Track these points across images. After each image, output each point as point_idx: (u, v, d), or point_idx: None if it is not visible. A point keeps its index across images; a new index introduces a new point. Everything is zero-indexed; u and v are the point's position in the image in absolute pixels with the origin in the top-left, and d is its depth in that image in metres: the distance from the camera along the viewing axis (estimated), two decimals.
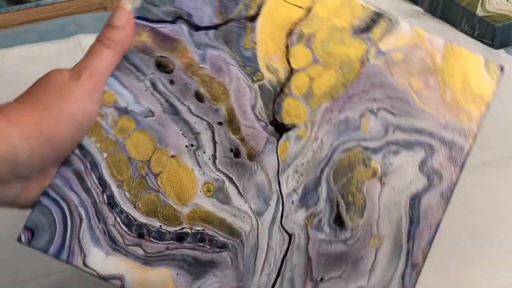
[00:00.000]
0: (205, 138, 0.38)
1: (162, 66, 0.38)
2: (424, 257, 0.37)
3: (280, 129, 0.38)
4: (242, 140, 0.38)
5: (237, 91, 0.38)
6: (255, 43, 0.39)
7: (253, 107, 0.38)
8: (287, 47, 0.39)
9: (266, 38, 0.39)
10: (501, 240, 0.56)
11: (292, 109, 0.38)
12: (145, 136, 0.38)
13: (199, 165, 0.38)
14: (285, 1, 0.39)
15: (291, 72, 0.39)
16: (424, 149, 0.37)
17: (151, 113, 0.38)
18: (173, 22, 0.39)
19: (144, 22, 0.38)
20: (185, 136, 0.38)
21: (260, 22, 0.39)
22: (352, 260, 0.36)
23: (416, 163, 0.37)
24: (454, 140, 0.38)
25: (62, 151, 0.37)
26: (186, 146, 0.38)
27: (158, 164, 0.38)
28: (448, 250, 0.54)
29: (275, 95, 0.38)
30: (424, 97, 0.38)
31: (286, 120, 0.38)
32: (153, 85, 0.38)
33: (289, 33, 0.39)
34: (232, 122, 0.38)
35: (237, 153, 0.38)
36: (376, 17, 0.39)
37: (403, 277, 0.36)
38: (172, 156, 0.38)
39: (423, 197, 0.37)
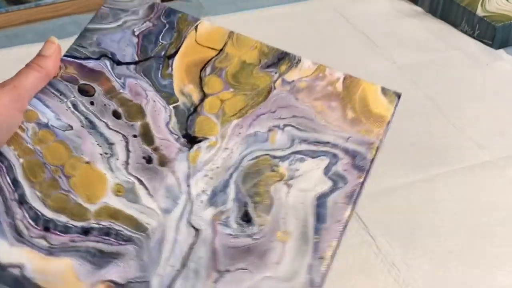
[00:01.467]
0: (119, 147, 0.42)
1: (84, 91, 0.44)
2: (333, 251, 0.39)
3: (192, 141, 0.43)
4: (155, 149, 0.42)
5: (153, 111, 0.44)
6: (172, 75, 0.45)
7: (167, 123, 0.43)
8: (200, 78, 0.45)
9: (181, 72, 0.46)
10: (501, 240, 0.56)
11: (204, 125, 0.43)
12: (62, 146, 0.42)
13: (111, 169, 0.41)
14: (200, 44, 0.47)
15: (204, 96, 0.44)
16: (328, 157, 0.41)
17: (70, 128, 0.43)
18: (98, 59, 0.46)
19: (72, 59, 0.46)
20: (100, 146, 0.42)
21: (177, 60, 0.46)
22: (259, 253, 0.38)
23: (321, 169, 0.41)
24: (357, 149, 0.42)
25: None
26: (101, 154, 0.42)
27: (72, 168, 0.41)
28: (448, 250, 0.54)
29: (188, 114, 0.44)
30: (327, 116, 0.43)
31: (199, 134, 0.43)
32: (74, 106, 0.44)
33: (203, 68, 0.46)
34: (146, 135, 0.43)
35: (149, 160, 0.42)
36: (281, 56, 0.46)
37: (310, 267, 0.38)
38: (86, 162, 0.42)
39: (329, 198, 0.40)
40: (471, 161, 0.65)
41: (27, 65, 0.44)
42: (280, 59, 0.46)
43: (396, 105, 0.44)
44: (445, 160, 0.64)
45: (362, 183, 0.40)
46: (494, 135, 0.68)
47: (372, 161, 0.41)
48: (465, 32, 0.87)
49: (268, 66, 0.45)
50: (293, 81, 0.44)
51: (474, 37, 0.86)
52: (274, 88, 0.44)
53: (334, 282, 0.52)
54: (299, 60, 0.46)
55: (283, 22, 0.91)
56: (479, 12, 0.85)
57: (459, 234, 0.56)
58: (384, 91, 0.44)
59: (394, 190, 0.61)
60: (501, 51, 0.84)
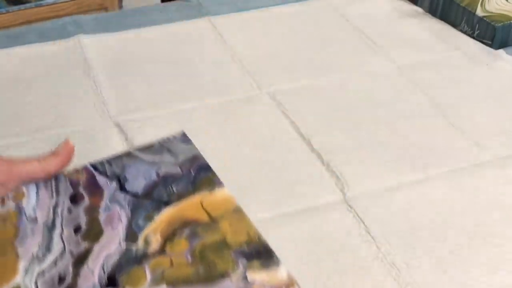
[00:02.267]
0: (51, 257, 0.42)
1: (74, 198, 0.46)
2: None
3: (112, 284, 0.41)
4: (76, 274, 0.41)
5: (107, 241, 0.43)
6: (153, 218, 0.45)
7: (106, 258, 0.42)
8: (173, 234, 0.44)
9: (163, 221, 0.45)
10: (501, 240, 0.56)
11: (136, 276, 0.41)
12: (14, 229, 0.44)
13: (26, 271, 0.42)
14: (202, 207, 0.45)
15: (160, 252, 0.43)
16: None
17: (35, 221, 0.45)
18: (111, 178, 0.48)
19: (91, 169, 0.49)
20: (38, 248, 0.43)
21: (169, 209, 0.45)
22: None
23: None
24: None
25: None
26: (32, 254, 0.42)
27: (2, 253, 0.42)
28: (448, 250, 0.54)
29: (131, 258, 0.42)
30: None
31: (123, 282, 0.41)
32: (56, 204, 0.46)
33: (184, 227, 0.44)
34: (81, 258, 0.42)
35: (60, 280, 0.41)
36: (263, 252, 0.42)
37: None
38: (16, 255, 0.42)
39: None
40: (471, 161, 0.65)
41: (39, 156, 0.48)
42: (259, 253, 0.42)
43: None
44: (445, 160, 0.64)
45: None
46: (494, 135, 0.68)
47: None
48: (465, 32, 0.87)
49: (243, 255, 0.42)
50: (252, 282, 0.41)
51: (474, 37, 0.86)
52: (229, 276, 0.41)
53: (334, 282, 0.52)
54: (277, 265, 0.42)
55: (283, 22, 0.91)
56: (479, 12, 0.85)
57: (459, 234, 0.56)
58: None
59: (394, 190, 0.61)
60: (501, 51, 0.84)
